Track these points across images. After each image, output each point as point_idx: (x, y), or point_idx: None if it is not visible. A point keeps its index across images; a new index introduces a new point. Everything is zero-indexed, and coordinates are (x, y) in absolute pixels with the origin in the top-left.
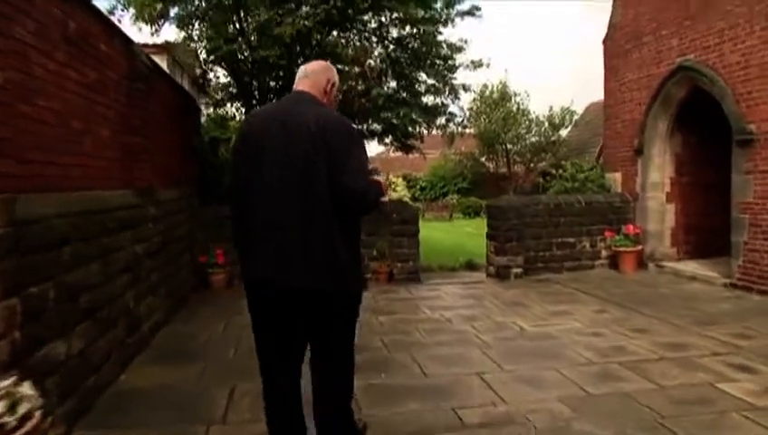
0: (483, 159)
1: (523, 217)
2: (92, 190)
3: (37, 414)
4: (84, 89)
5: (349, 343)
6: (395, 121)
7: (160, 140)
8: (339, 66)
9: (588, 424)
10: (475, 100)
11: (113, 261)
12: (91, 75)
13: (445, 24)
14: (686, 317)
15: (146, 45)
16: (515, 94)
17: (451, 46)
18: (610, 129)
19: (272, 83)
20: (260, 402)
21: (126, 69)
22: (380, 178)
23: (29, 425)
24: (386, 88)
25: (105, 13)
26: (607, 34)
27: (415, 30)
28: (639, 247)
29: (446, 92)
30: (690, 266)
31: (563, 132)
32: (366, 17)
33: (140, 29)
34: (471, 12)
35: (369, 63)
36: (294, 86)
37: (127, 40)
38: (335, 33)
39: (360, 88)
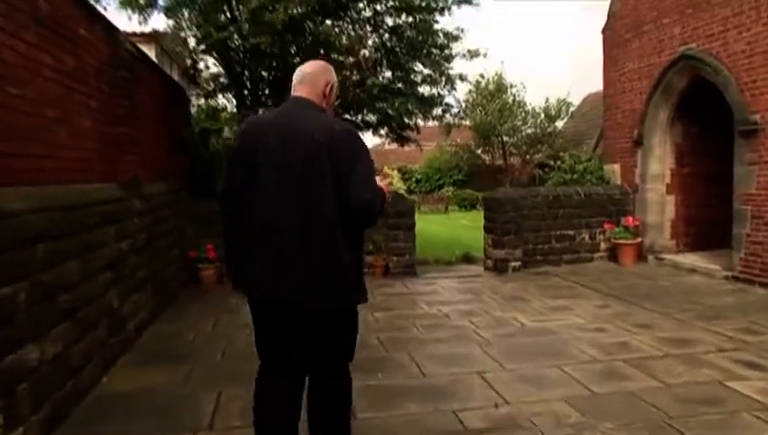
0: (479, 151)
1: (521, 210)
2: (71, 184)
3: None
4: (61, 75)
5: (347, 358)
6: (390, 112)
7: (147, 130)
8: (333, 56)
9: (595, 428)
10: (470, 91)
11: (94, 258)
12: (69, 61)
13: (441, 12)
14: (688, 311)
15: (133, 34)
16: (511, 86)
17: (447, 35)
18: (610, 119)
19: (264, 73)
20: (250, 407)
21: (109, 56)
22: (382, 182)
23: None
24: (381, 78)
25: None
26: (606, 24)
27: (411, 18)
28: (639, 240)
29: (443, 83)
30: (690, 259)
31: (559, 124)
32: (361, 5)
33: (130, 18)
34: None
35: (364, 53)
36: (292, 91)
37: (109, 26)
38: (329, 21)
39: (354, 78)
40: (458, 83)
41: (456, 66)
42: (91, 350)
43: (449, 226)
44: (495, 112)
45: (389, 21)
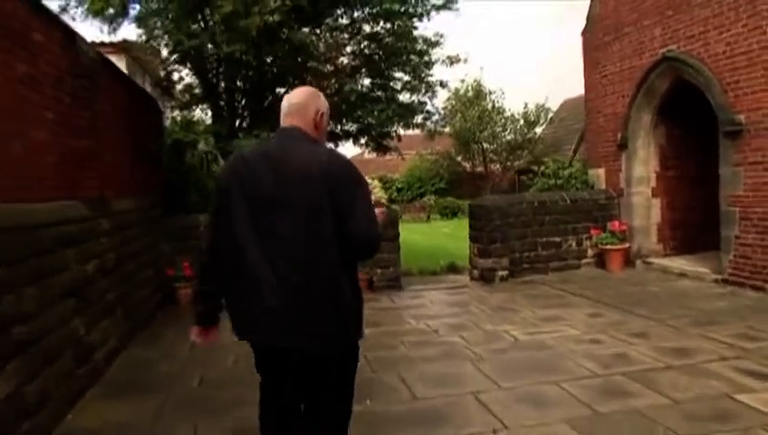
0: (459, 158)
1: (507, 217)
2: (23, 202)
3: None
4: (11, 83)
5: (347, 405)
6: (370, 120)
7: (113, 144)
8: (310, 63)
9: None
10: (449, 98)
11: (54, 284)
12: (21, 68)
13: (420, 18)
14: (682, 318)
15: (102, 44)
16: (490, 92)
17: (427, 41)
18: (592, 123)
19: (240, 83)
20: None
21: (68, 64)
22: (376, 210)
23: None
24: (359, 86)
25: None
26: (585, 27)
27: (389, 25)
28: (626, 245)
29: (423, 90)
30: (678, 263)
31: (538, 130)
32: (339, 11)
33: (101, 30)
34: (446, 5)
35: (342, 61)
36: (281, 122)
37: (70, 33)
38: (306, 29)
39: (333, 86)
40: (438, 90)
41: (437, 73)
42: (52, 385)
43: (432, 235)
44: (475, 119)
45: (367, 28)
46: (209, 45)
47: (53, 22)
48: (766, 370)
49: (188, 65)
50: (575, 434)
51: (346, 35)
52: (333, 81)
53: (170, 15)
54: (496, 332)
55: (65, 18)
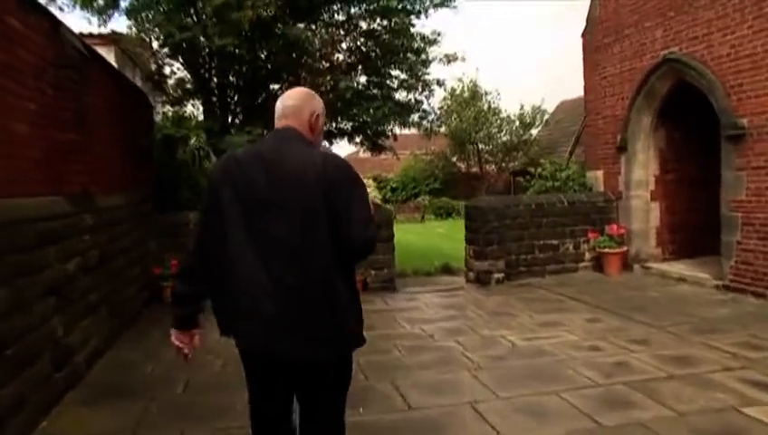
0: (454, 158)
1: (503, 219)
2: (1, 197)
3: None
4: None
5: (341, 409)
6: (366, 119)
7: (100, 138)
8: (305, 60)
9: None
10: (445, 99)
11: (31, 283)
12: None
13: (418, 15)
14: (683, 325)
15: (90, 36)
16: (486, 93)
17: (424, 39)
18: (591, 125)
19: (233, 79)
20: None
21: (53, 54)
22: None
23: None
24: (355, 83)
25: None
26: (585, 28)
27: (386, 22)
28: (624, 248)
29: (420, 88)
30: (677, 267)
31: (534, 132)
32: (335, 6)
33: (90, 21)
34: (444, 2)
35: (338, 58)
36: (276, 124)
37: (53, 21)
38: (301, 25)
39: (329, 83)
40: (435, 89)
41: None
42: (26, 390)
43: (426, 235)
44: (470, 120)
45: (364, 25)
46: (201, 38)
47: (34, 9)
48: None
49: (180, 59)
50: None
51: (342, 32)
52: (329, 77)
53: (162, 8)
54: (493, 337)
55: (53, 9)
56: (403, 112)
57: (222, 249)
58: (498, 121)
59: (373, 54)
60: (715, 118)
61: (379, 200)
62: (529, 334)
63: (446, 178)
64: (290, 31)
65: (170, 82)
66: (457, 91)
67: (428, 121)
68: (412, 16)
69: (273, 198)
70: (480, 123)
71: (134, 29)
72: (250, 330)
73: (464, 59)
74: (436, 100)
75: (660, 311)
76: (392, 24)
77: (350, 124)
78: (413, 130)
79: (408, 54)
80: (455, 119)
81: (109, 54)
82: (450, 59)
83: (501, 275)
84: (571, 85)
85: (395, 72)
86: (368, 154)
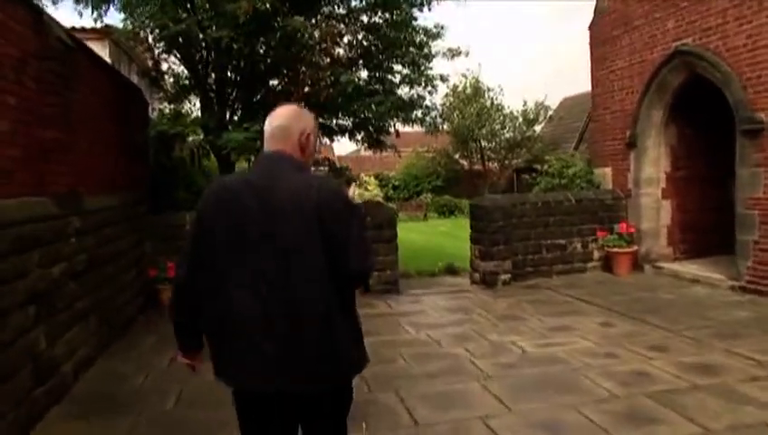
0: (456, 156)
1: (509, 218)
2: None
3: None
4: None
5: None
6: (368, 114)
7: (89, 135)
8: (305, 54)
9: None
10: (447, 95)
11: (9, 292)
12: None
13: (420, 7)
14: (702, 329)
15: (82, 30)
16: (489, 89)
17: (427, 32)
18: (598, 120)
19: (230, 74)
20: None
21: (35, 46)
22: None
23: None
24: (356, 78)
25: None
26: (593, 20)
27: (388, 14)
28: (634, 248)
29: (422, 84)
30: (689, 268)
31: (537, 128)
32: None
33: (81, 14)
34: None
35: (339, 52)
36: (265, 145)
37: (34, 10)
38: (302, 18)
39: (329, 78)
40: (438, 84)
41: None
42: (2, 408)
43: (429, 234)
44: (473, 116)
45: (365, 18)
46: (197, 31)
47: None
48: None
49: (176, 53)
50: None
51: (342, 26)
52: (329, 72)
53: (157, 1)
54: (503, 343)
55: (40, 1)
56: (405, 108)
57: (214, 286)
58: (501, 118)
59: (374, 49)
60: (728, 113)
61: (381, 199)
62: (540, 340)
63: (449, 175)
64: (288, 22)
65: (167, 78)
66: (459, 88)
67: (431, 118)
68: (414, 9)
69: (266, 230)
70: (483, 120)
71: (129, 23)
72: (247, 370)
73: (467, 53)
74: (439, 96)
75: (676, 314)
76: (394, 16)
77: (351, 120)
78: (416, 127)
79: (411, 49)
80: (457, 116)
81: (103, 49)
82: (454, 53)
83: (507, 276)
84: (576, 81)
85: (397, 67)
86: (369, 152)
